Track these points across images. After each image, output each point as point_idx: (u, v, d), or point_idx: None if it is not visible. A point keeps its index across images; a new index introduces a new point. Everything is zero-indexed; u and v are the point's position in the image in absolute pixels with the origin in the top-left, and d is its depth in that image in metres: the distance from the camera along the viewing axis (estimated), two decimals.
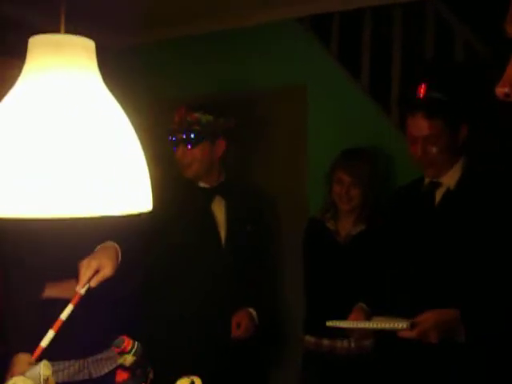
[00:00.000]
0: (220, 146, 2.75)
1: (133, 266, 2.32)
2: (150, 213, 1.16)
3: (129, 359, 1.63)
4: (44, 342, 1.84)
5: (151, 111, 3.21)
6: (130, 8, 2.97)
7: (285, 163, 3.38)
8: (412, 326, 2.09)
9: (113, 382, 1.30)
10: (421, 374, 2.42)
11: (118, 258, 2.16)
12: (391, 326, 2.16)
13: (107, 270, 2.07)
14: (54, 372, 1.61)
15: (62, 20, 1.07)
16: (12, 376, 1.52)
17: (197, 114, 2.68)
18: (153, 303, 2.65)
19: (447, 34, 3.23)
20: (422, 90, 2.41)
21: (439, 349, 2.14)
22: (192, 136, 2.65)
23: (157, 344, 2.58)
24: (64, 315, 1.90)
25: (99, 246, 2.18)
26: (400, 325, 2.12)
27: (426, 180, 2.34)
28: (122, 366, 1.63)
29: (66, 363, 2.25)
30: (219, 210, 2.77)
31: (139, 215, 1.15)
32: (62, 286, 2.24)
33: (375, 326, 2.24)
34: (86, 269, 2.03)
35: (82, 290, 1.99)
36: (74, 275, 2.19)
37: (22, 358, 1.89)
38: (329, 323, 2.37)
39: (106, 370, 2.33)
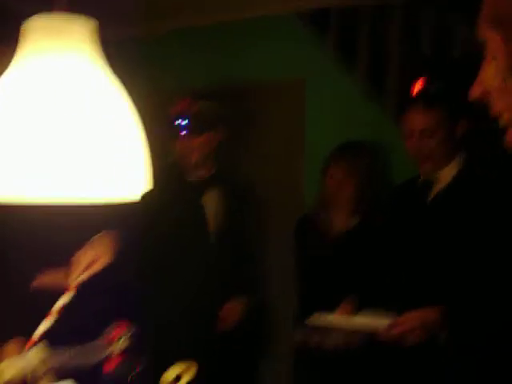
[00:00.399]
0: (218, 137, 2.75)
1: (128, 254, 2.35)
2: (143, 202, 1.16)
3: (119, 347, 1.65)
4: (37, 333, 1.85)
5: (149, 102, 3.21)
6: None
7: (281, 157, 3.38)
8: (390, 327, 2.11)
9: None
10: (406, 370, 2.44)
11: (114, 247, 2.17)
12: (374, 325, 2.16)
13: (103, 260, 2.08)
14: (49, 358, 1.62)
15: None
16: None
17: (200, 104, 2.69)
18: (144, 292, 2.67)
19: (445, 29, 3.24)
20: (419, 84, 2.43)
21: (420, 349, 2.14)
22: (196, 125, 2.66)
23: (149, 332, 2.62)
24: (57, 305, 1.92)
25: (95, 236, 2.19)
26: (377, 326, 2.13)
27: (421, 177, 2.35)
28: (112, 354, 1.66)
29: (61, 349, 2.28)
30: (210, 202, 2.76)
31: (138, 200, 1.16)
32: (58, 274, 2.27)
33: (358, 323, 2.24)
34: (82, 259, 2.05)
35: (76, 281, 2.01)
36: (68, 263, 2.22)
37: (14, 346, 1.91)
38: (311, 320, 2.39)
39: (100, 358, 2.35)
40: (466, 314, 2.09)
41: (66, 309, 2.15)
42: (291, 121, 3.38)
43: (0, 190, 0.97)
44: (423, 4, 3.25)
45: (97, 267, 2.06)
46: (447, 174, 2.27)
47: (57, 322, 2.21)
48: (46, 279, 2.23)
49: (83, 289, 2.20)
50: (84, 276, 2.04)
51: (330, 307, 2.51)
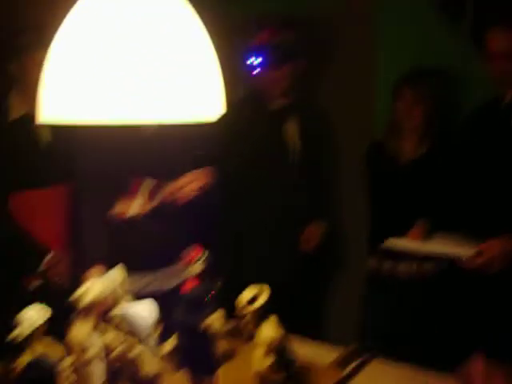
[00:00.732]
0: (298, 67, 2.77)
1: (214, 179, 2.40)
2: (221, 127, 1.15)
3: (197, 268, 1.68)
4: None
5: (225, 30, 3.16)
6: None
7: (351, 84, 3.29)
8: (475, 256, 2.06)
9: (180, 295, 1.35)
10: (481, 300, 2.41)
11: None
12: (454, 252, 2.12)
13: (195, 185, 2.19)
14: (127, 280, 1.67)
15: None
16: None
17: (282, 34, 2.70)
18: (224, 215, 2.73)
19: None
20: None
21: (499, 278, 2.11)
22: (278, 56, 2.69)
23: (227, 254, 2.68)
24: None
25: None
26: (463, 252, 2.08)
27: (507, 98, 2.25)
28: (190, 275, 1.69)
29: (137, 275, 2.35)
30: (290, 129, 2.81)
31: (213, 125, 1.17)
32: (132, 203, 2.32)
33: (436, 249, 2.20)
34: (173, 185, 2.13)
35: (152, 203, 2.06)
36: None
37: (96, 273, 1.99)
38: (387, 243, 2.36)
39: (175, 283, 2.42)
40: None
41: (142, 232, 2.23)
42: (361, 46, 3.27)
43: (86, 114, 0.98)
44: None
45: (187, 191, 2.19)
46: None
47: (133, 246, 2.29)
48: (123, 207, 2.30)
49: (160, 214, 2.27)
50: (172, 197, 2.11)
51: (402, 232, 2.50)
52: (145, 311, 1.24)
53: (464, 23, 3.01)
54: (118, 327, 1.47)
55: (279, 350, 1.53)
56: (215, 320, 1.51)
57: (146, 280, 2.37)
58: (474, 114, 2.51)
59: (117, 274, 1.60)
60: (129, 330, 1.22)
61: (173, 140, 2.27)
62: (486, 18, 2.62)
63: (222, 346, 1.41)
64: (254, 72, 2.76)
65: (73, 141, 2.25)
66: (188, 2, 1.11)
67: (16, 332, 1.31)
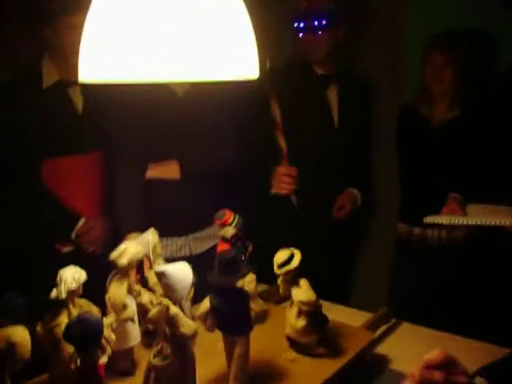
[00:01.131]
0: (340, 32, 2.79)
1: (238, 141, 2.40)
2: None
3: (230, 231, 1.70)
4: None
5: None
6: None
7: (382, 47, 3.25)
8: None
9: (212, 259, 1.36)
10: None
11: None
12: (496, 222, 2.09)
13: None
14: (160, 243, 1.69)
15: None
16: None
17: (326, 2, 2.72)
18: (256, 180, 2.74)
19: None
20: None
21: None
22: (323, 22, 2.71)
23: (258, 220, 2.69)
24: None
25: None
26: (505, 221, 2.06)
27: None
28: (223, 238, 1.71)
29: (169, 240, 2.38)
30: (333, 95, 2.85)
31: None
32: (163, 167, 2.34)
33: (479, 222, 2.18)
34: None
35: None
36: (176, 156, 2.29)
37: (133, 235, 2.01)
38: (427, 219, 2.35)
39: (206, 248, 2.44)
40: None
41: (173, 198, 2.25)
42: (392, 9, 3.21)
43: (124, 73, 0.98)
44: None
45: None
46: None
47: (164, 211, 2.31)
48: (154, 172, 2.31)
49: (191, 178, 2.28)
50: None
51: (434, 202, 2.48)
52: (182, 271, 1.26)
53: None
54: (155, 286, 1.50)
55: (312, 313, 1.55)
56: (248, 282, 1.53)
57: (179, 244, 2.40)
58: (508, 75, 2.47)
59: (150, 236, 1.62)
60: (167, 286, 1.23)
61: (208, 101, 2.28)
62: None
63: (254, 307, 1.42)
64: (299, 36, 2.79)
65: (106, 107, 2.25)
66: None
67: (54, 292, 1.33)
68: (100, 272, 1.48)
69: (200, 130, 2.30)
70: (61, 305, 1.35)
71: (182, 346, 1.27)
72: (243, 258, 1.61)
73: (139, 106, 2.18)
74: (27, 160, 2.33)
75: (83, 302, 1.42)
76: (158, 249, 1.63)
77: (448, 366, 0.96)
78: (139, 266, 1.62)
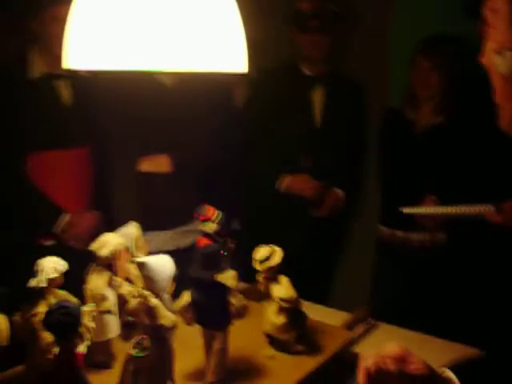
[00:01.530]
0: (337, 35, 2.85)
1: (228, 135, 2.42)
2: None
3: (211, 227, 1.70)
4: None
5: None
6: None
7: (367, 51, 3.27)
8: (497, 209, 2.07)
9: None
10: (493, 267, 2.42)
11: None
12: (475, 210, 2.12)
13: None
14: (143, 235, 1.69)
15: None
16: None
17: (326, 3, 2.78)
18: (242, 177, 2.77)
19: None
20: None
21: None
22: (325, 24, 2.76)
23: (242, 216, 2.71)
24: None
25: None
26: (484, 208, 2.08)
27: None
28: (204, 233, 1.71)
29: (156, 233, 2.38)
30: (318, 96, 2.87)
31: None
32: (155, 161, 2.35)
33: (457, 210, 2.21)
34: None
35: None
36: (167, 150, 2.30)
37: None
38: (405, 210, 2.38)
39: (192, 242, 2.45)
40: None
41: (160, 192, 2.25)
42: (378, 11, 3.23)
43: (110, 62, 0.99)
44: None
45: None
46: None
47: (151, 205, 2.31)
48: (146, 165, 2.32)
49: (178, 173, 2.29)
50: None
51: (413, 202, 2.51)
52: (163, 263, 1.26)
53: None
54: (136, 277, 1.50)
55: (291, 310, 1.56)
56: (229, 277, 1.53)
57: (164, 237, 2.40)
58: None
59: (133, 229, 1.62)
60: (148, 278, 1.23)
61: (196, 94, 2.29)
62: None
63: (235, 302, 1.43)
64: (297, 37, 2.82)
65: (95, 99, 2.25)
66: None
67: (34, 280, 1.32)
68: (82, 265, 1.47)
69: (189, 122, 2.31)
70: (40, 294, 1.35)
71: (161, 338, 1.27)
72: (225, 253, 1.61)
73: (127, 98, 2.18)
74: (12, 152, 2.31)
75: (63, 293, 1.41)
76: (140, 242, 1.63)
77: (404, 358, 0.97)
78: None
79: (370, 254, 2.96)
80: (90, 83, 2.27)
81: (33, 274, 1.35)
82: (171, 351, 1.30)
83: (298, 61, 2.87)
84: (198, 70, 1.03)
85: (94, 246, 1.46)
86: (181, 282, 1.47)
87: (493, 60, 0.90)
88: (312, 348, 1.58)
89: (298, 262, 1.97)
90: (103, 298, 1.42)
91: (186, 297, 1.40)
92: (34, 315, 1.30)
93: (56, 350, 1.20)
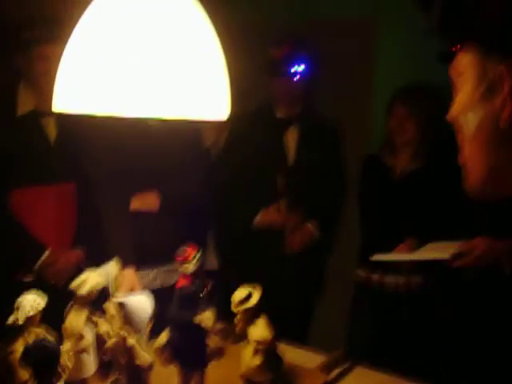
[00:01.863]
0: (312, 80, 2.92)
1: (204, 180, 2.46)
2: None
3: (189, 268, 1.72)
4: None
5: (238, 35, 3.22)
6: None
7: (348, 98, 3.33)
8: (457, 256, 2.12)
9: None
10: (468, 309, 2.45)
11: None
12: (434, 256, 2.17)
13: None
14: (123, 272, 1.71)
15: None
16: None
17: (298, 47, 2.87)
18: (218, 217, 2.80)
19: None
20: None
21: (486, 281, 2.16)
22: (298, 71, 2.84)
23: (220, 256, 2.74)
24: None
25: None
26: (442, 255, 2.13)
27: None
28: (185, 273, 1.73)
29: (143, 273, 2.39)
30: (291, 138, 2.93)
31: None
32: (144, 199, 2.38)
33: (418, 257, 2.26)
34: None
35: None
36: (155, 187, 2.33)
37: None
38: (373, 258, 2.42)
39: (174, 281, 2.45)
40: None
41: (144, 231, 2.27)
42: (360, 60, 3.31)
43: (98, 106, 1.02)
44: None
45: None
46: None
47: (137, 244, 2.33)
48: (138, 203, 2.34)
49: (163, 213, 2.31)
50: None
51: (391, 245, 2.55)
52: (142, 303, 1.28)
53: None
54: (113, 317, 1.50)
55: (268, 351, 1.57)
56: (207, 318, 1.54)
57: (152, 276, 2.42)
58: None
59: (112, 266, 1.63)
60: (126, 318, 1.24)
61: (177, 138, 2.33)
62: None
63: (212, 343, 1.44)
64: (271, 81, 2.90)
65: (80, 139, 2.27)
66: (200, 6, 1.15)
67: (13, 316, 1.33)
68: (61, 301, 1.48)
69: (175, 163, 2.35)
70: (18, 332, 1.35)
71: (137, 378, 1.28)
72: (204, 293, 1.63)
73: (113, 136, 2.21)
74: None
75: (40, 330, 1.41)
76: (118, 281, 1.64)
77: None
78: None
79: (348, 294, 2.98)
80: (76, 121, 2.30)
81: (11, 310, 1.36)
82: None
83: (272, 104, 2.95)
84: (180, 117, 1.06)
85: (73, 285, 1.47)
86: (160, 320, 1.48)
87: (458, 120, 0.94)
88: None
89: (275, 300, 1.99)
90: (80, 337, 1.43)
91: (163, 337, 1.41)
92: (12, 352, 1.30)
93: None
